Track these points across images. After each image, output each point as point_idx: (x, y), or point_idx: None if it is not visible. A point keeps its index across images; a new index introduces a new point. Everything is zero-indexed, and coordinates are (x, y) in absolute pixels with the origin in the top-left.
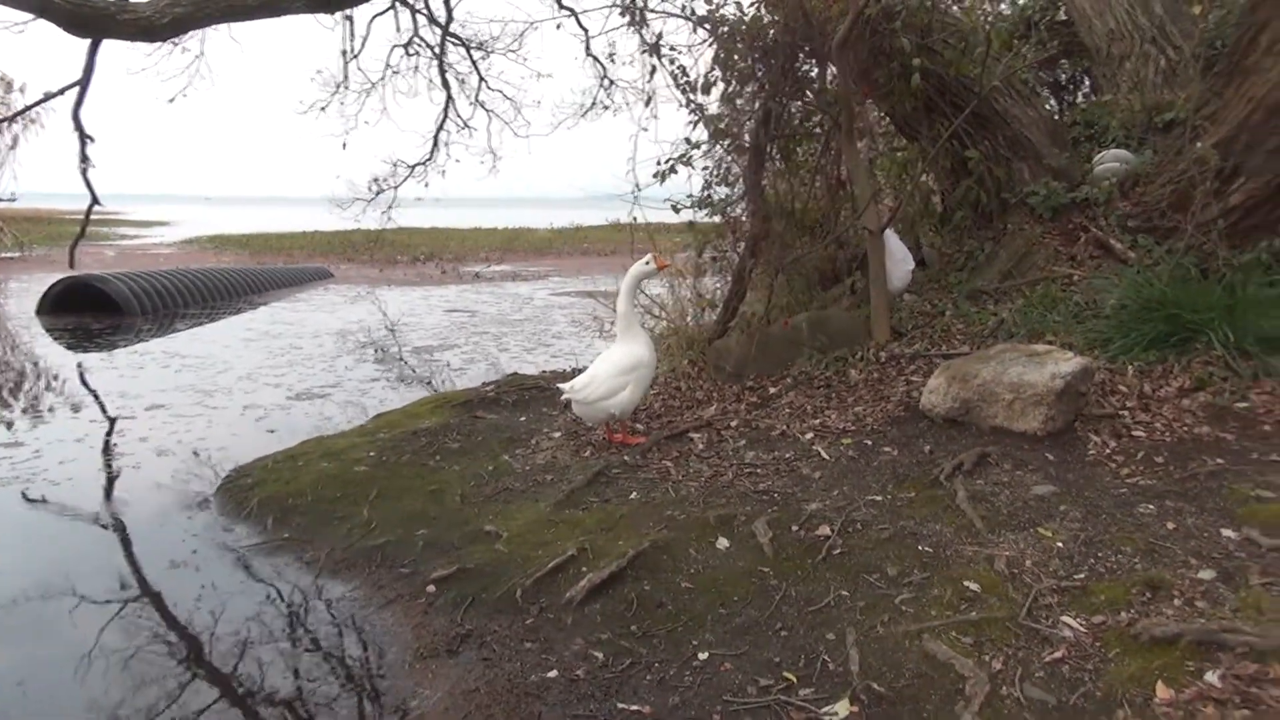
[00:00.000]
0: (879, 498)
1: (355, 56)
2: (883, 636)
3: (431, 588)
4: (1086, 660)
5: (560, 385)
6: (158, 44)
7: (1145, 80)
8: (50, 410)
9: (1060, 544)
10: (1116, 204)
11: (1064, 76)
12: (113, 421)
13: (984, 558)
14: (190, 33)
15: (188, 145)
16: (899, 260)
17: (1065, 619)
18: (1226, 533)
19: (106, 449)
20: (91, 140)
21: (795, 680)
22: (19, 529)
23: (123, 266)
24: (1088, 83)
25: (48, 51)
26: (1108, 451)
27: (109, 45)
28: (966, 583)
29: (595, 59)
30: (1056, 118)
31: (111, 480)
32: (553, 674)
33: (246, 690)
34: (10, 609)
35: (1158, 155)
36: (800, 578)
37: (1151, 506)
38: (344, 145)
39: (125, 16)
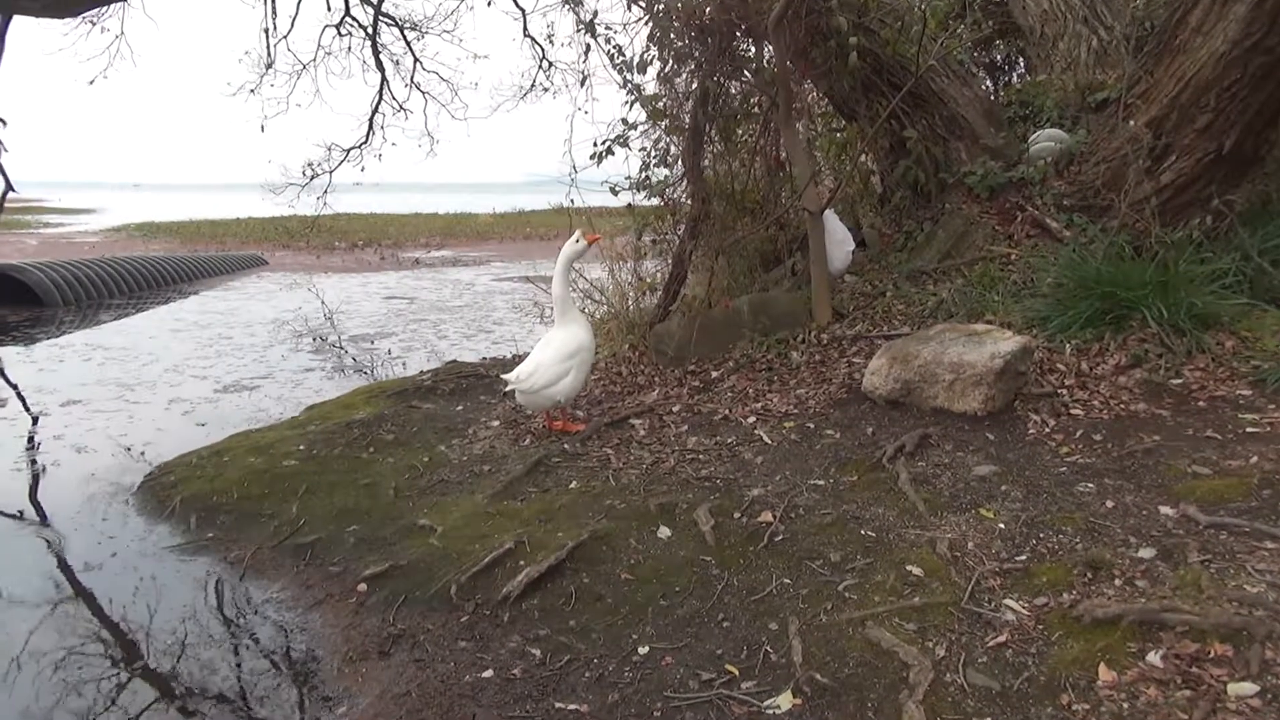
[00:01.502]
0: (821, 482)
1: (285, 37)
2: (826, 625)
3: (363, 586)
4: (1029, 644)
5: (504, 376)
6: (75, 23)
7: (1078, 60)
8: None
9: (1002, 525)
10: (1052, 183)
11: (999, 57)
12: (29, 419)
13: (926, 541)
14: (109, 12)
15: (116, 130)
16: (839, 241)
17: (1008, 602)
18: (1164, 510)
19: (18, 447)
20: (4, 123)
21: (737, 673)
22: None
23: (45, 256)
24: (1022, 63)
25: None
26: (1047, 430)
27: (22, 23)
28: (909, 567)
29: (533, 40)
30: (992, 98)
31: (22, 480)
32: (488, 674)
33: (162, 699)
34: None
35: (1091, 134)
36: (742, 566)
37: (1091, 485)
38: (262, 128)
39: None
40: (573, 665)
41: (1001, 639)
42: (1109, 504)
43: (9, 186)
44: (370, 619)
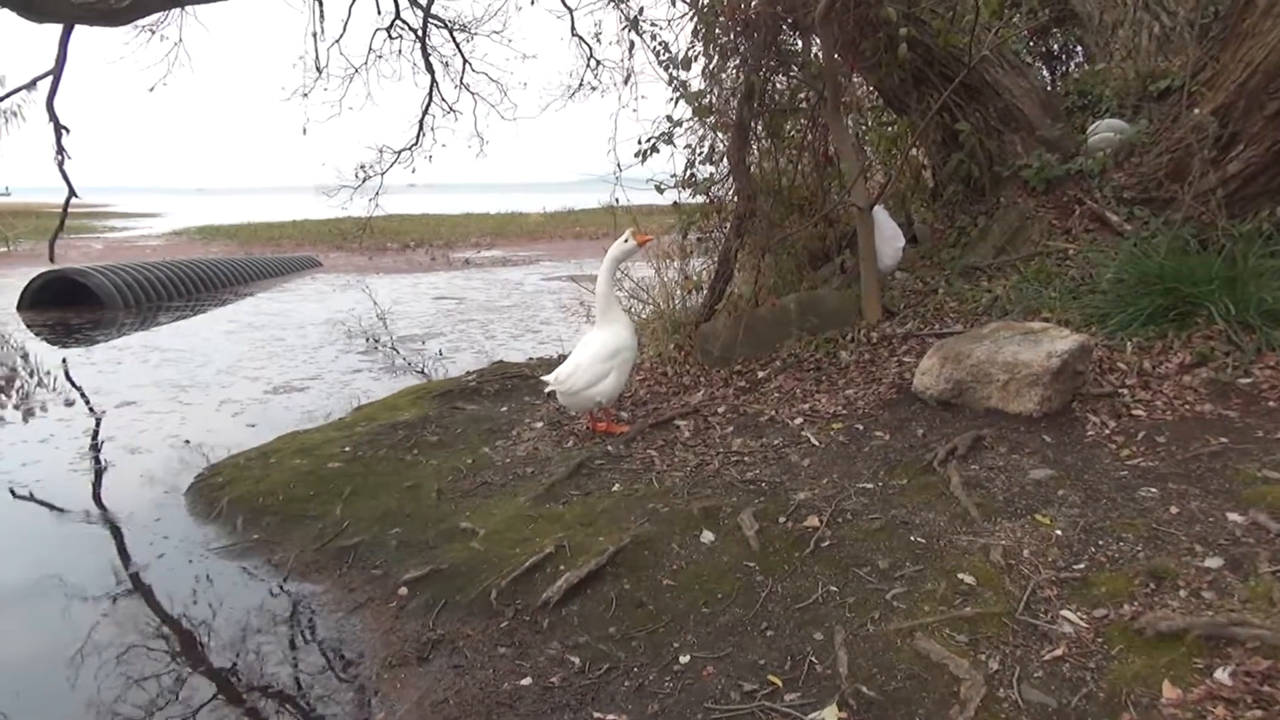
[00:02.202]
0: (870, 485)
1: (338, 41)
2: (873, 635)
3: (403, 590)
4: (1088, 658)
5: (544, 377)
6: (134, 31)
7: (1139, 47)
8: (14, 409)
9: (1059, 532)
10: (1111, 175)
11: (1056, 45)
12: (89, 419)
13: (979, 548)
14: (168, 19)
15: (179, 135)
16: (889, 237)
17: (1065, 613)
18: (1233, 516)
19: (76, 447)
20: (67, 131)
21: (781, 684)
22: None
23: (109, 259)
24: (1080, 51)
25: (25, 44)
26: (1107, 432)
27: (85, 34)
28: (961, 575)
29: (580, 39)
30: (1049, 88)
31: (80, 479)
32: (526, 681)
33: (198, 703)
34: None
35: (1153, 124)
36: (787, 573)
37: (1154, 490)
38: (304, 130)
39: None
40: (612, 674)
41: (1058, 652)
42: (1173, 510)
43: (72, 192)
44: (410, 623)
